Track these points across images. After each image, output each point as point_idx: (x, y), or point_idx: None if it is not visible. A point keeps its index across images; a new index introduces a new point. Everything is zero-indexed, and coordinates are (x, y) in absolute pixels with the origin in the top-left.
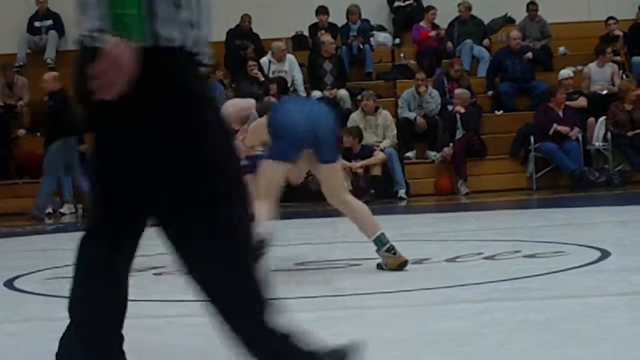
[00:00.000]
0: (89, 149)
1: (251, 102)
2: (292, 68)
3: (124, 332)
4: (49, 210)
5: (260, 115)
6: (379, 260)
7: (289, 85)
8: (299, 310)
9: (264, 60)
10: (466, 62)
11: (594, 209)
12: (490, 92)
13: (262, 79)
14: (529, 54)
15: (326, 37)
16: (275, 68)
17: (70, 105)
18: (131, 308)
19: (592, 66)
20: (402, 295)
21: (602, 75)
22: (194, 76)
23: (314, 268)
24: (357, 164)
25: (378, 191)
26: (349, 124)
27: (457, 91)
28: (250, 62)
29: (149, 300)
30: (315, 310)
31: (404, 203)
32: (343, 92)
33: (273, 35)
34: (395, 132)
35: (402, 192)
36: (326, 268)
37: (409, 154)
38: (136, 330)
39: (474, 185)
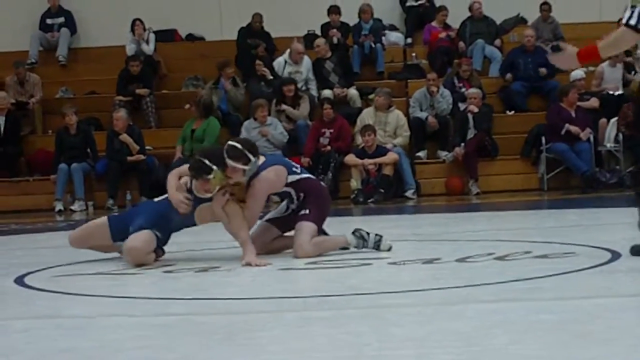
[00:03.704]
0: None
1: None
2: (308, 70)
3: (129, 329)
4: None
5: None
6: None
7: (301, 86)
8: (312, 309)
9: (279, 60)
10: (477, 62)
11: (604, 210)
12: (500, 92)
13: (270, 77)
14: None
15: (317, 40)
16: (291, 69)
17: None
18: (140, 306)
19: (605, 65)
20: (414, 294)
21: (614, 75)
22: None
23: (325, 267)
24: (369, 161)
25: (389, 191)
26: (359, 121)
27: (472, 90)
28: (257, 62)
29: (158, 298)
30: (328, 309)
31: (412, 203)
32: (353, 92)
33: (285, 34)
34: (408, 133)
35: (410, 192)
36: (338, 267)
37: (420, 153)
38: (146, 328)
39: (485, 185)
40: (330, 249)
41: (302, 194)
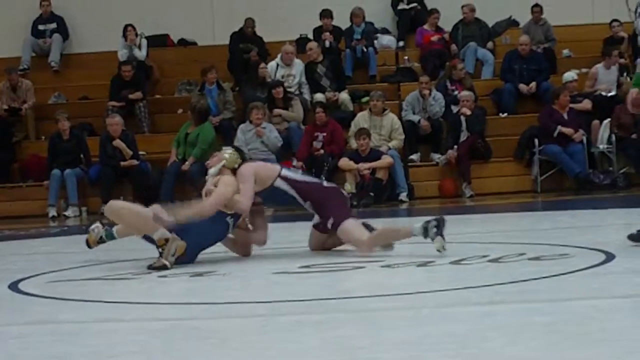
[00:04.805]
0: None
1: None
2: (300, 73)
3: (124, 334)
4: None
5: None
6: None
7: (294, 90)
8: (305, 312)
9: (271, 64)
10: (470, 64)
11: (598, 212)
12: (493, 95)
13: (269, 79)
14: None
15: (310, 44)
16: (283, 72)
17: None
18: (135, 311)
19: (600, 67)
20: (407, 297)
21: (608, 77)
22: None
23: (319, 270)
24: (364, 166)
25: (383, 194)
26: (353, 125)
27: (464, 93)
28: (262, 65)
29: (153, 303)
30: (321, 312)
31: (405, 206)
32: (344, 96)
33: (277, 39)
34: (403, 136)
35: (403, 195)
36: (331, 270)
37: (413, 156)
38: (140, 333)
39: (478, 187)
40: (393, 238)
41: (309, 202)
